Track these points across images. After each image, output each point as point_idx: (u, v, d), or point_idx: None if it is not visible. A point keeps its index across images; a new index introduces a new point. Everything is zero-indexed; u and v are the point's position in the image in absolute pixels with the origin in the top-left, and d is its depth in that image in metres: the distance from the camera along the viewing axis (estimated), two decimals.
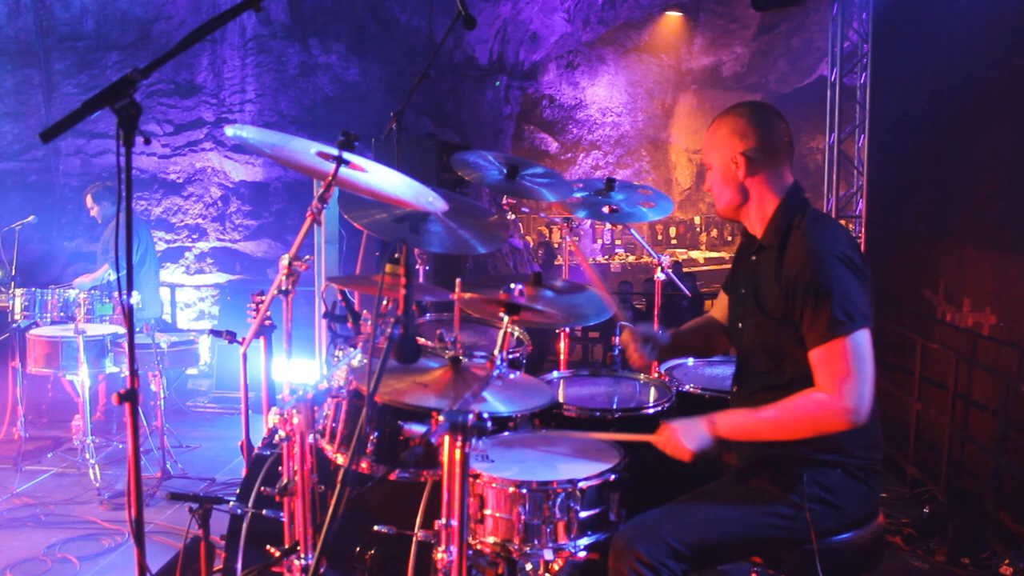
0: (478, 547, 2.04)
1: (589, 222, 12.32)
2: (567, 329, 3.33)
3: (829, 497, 2.02)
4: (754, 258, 2.18)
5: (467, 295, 2.35)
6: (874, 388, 1.90)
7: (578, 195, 3.25)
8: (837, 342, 1.89)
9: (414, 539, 2.24)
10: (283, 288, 2.10)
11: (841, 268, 1.94)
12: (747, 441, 2.05)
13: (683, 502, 2.04)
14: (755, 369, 2.16)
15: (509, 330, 2.06)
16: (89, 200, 5.71)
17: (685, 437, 2.01)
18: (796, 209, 2.09)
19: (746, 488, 2.05)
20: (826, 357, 1.91)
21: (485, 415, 1.75)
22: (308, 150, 2.05)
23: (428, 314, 3.20)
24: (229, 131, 1.99)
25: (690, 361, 3.13)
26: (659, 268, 3.41)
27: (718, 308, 2.48)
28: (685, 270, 11.76)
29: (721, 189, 2.17)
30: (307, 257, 2.14)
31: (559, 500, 1.98)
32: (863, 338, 1.90)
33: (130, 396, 1.49)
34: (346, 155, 1.99)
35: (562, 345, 3.31)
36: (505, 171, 3.04)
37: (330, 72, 8.15)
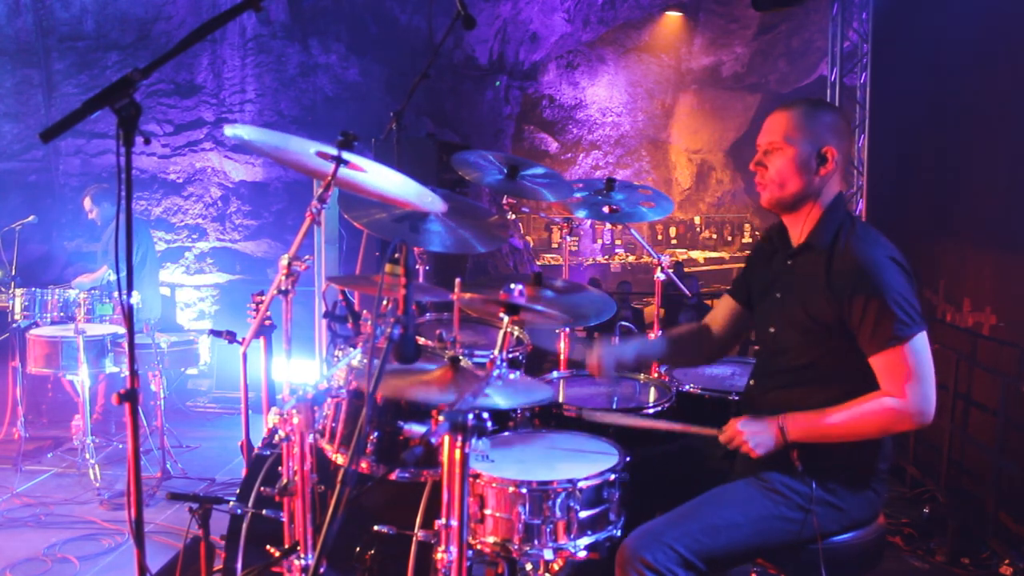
0: (478, 547, 2.04)
1: (589, 222, 12.32)
2: (567, 329, 3.33)
3: (833, 500, 2.02)
4: (790, 262, 2.15)
5: (467, 295, 2.35)
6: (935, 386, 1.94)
7: (578, 195, 3.25)
8: (900, 348, 1.91)
9: (414, 539, 2.24)
10: (283, 288, 2.10)
11: (897, 272, 1.95)
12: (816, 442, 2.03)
13: (690, 508, 2.02)
14: (780, 367, 2.15)
15: (509, 330, 2.06)
16: (88, 202, 5.71)
17: (753, 440, 2.01)
18: (843, 217, 2.09)
19: (752, 492, 2.05)
20: (890, 362, 1.93)
21: (485, 415, 1.75)
22: (307, 150, 2.04)
23: (428, 314, 3.20)
24: (228, 131, 1.98)
25: None
26: (659, 268, 3.41)
27: (718, 314, 2.43)
28: (686, 270, 11.76)
29: (790, 176, 2.08)
30: (307, 257, 2.14)
31: (559, 500, 1.98)
32: (923, 340, 1.93)
33: (130, 396, 1.49)
34: (345, 155, 1.99)
35: (562, 345, 3.31)
36: (505, 171, 3.04)
37: (330, 72, 8.15)
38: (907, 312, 1.91)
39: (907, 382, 1.91)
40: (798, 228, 2.15)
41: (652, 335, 3.36)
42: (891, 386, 1.93)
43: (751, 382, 2.27)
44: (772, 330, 2.19)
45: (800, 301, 2.08)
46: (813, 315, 2.04)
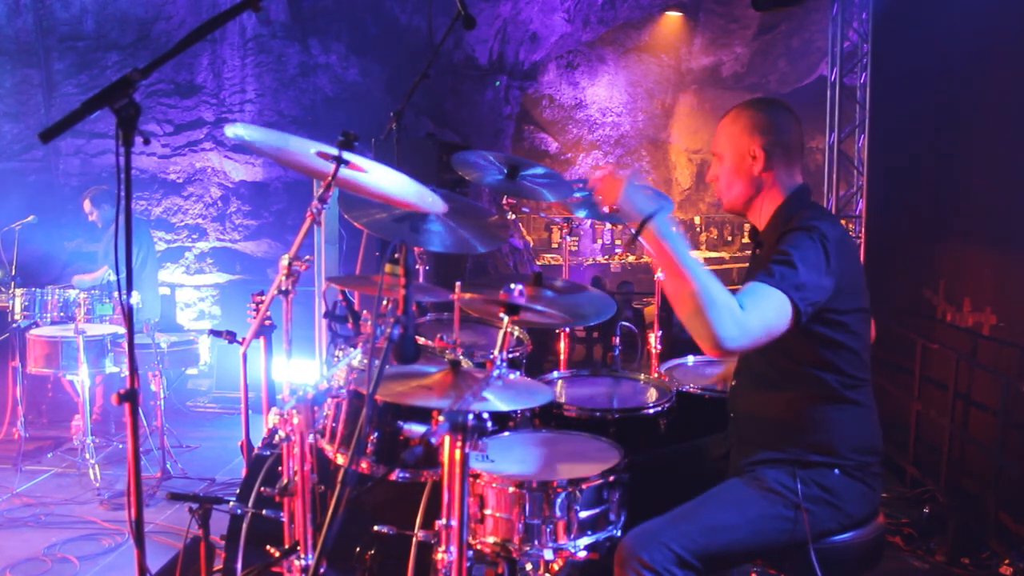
0: (478, 547, 2.04)
1: (589, 222, 12.32)
2: (567, 329, 3.33)
3: (829, 498, 2.02)
4: (758, 252, 2.19)
5: (467, 295, 2.35)
6: (755, 343, 1.85)
7: (578, 195, 3.25)
8: (764, 287, 1.86)
9: (414, 539, 2.24)
10: (283, 288, 2.10)
11: (817, 247, 1.93)
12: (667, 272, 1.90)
13: (687, 509, 2.03)
14: (752, 365, 2.17)
15: (509, 330, 2.06)
16: (88, 205, 5.72)
17: (624, 201, 1.93)
18: (800, 206, 2.10)
19: (748, 492, 2.05)
20: (760, 293, 1.86)
21: (485, 415, 1.74)
22: (308, 150, 2.04)
23: (428, 314, 3.20)
24: (229, 131, 1.99)
25: (690, 361, 3.13)
26: (660, 268, 3.41)
27: None
28: None
29: (732, 181, 2.16)
30: (307, 257, 2.14)
31: (559, 500, 1.98)
32: (782, 301, 1.85)
33: (130, 396, 1.49)
34: (346, 155, 1.99)
35: (562, 345, 3.31)
36: (505, 171, 3.04)
37: (330, 72, 8.14)
38: (795, 274, 1.86)
39: (761, 315, 1.83)
40: (758, 221, 2.19)
41: (653, 335, 3.37)
42: (748, 305, 1.83)
43: (733, 382, 2.29)
44: None
45: None
46: None
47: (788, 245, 1.93)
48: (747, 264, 2.43)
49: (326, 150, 2.01)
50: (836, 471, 2.03)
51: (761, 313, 1.84)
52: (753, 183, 2.13)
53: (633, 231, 1.91)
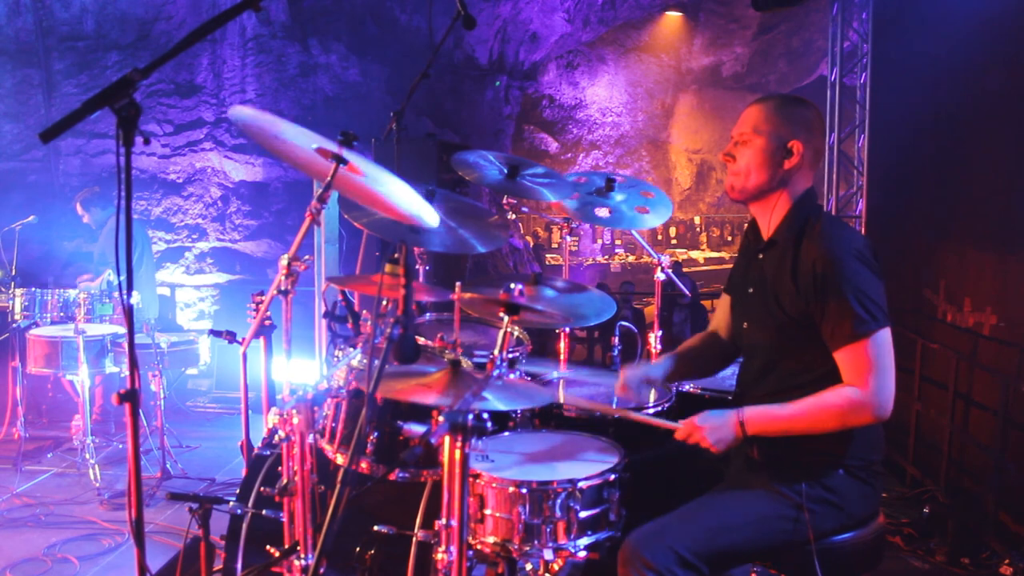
0: (478, 547, 2.04)
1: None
2: (567, 329, 3.32)
3: (832, 497, 2.02)
4: (761, 256, 2.16)
5: (467, 295, 2.35)
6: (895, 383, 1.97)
7: (577, 193, 3.24)
8: (863, 342, 1.93)
9: (414, 539, 2.24)
10: (283, 288, 2.10)
11: (861, 267, 1.95)
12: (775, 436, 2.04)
13: (690, 509, 2.03)
14: (759, 368, 2.16)
15: (509, 330, 2.06)
16: (79, 208, 5.74)
17: (712, 436, 2.02)
18: (810, 210, 2.09)
19: (750, 492, 2.05)
20: (853, 356, 1.95)
21: (485, 415, 1.75)
22: (308, 143, 2.03)
23: (428, 314, 3.20)
24: (232, 112, 1.96)
25: None
26: (659, 268, 3.40)
27: (720, 316, 2.43)
28: (685, 270, 11.75)
29: (758, 168, 2.08)
30: (307, 257, 2.14)
31: (559, 500, 1.98)
32: (884, 336, 1.96)
33: (130, 396, 1.49)
34: (345, 154, 1.98)
35: (562, 345, 3.31)
36: (505, 171, 3.04)
37: (330, 72, 8.15)
38: (867, 309, 1.93)
39: (868, 374, 1.95)
40: (766, 220, 2.16)
41: (653, 334, 3.37)
42: (852, 378, 1.96)
43: (737, 390, 2.28)
44: (745, 325, 2.20)
45: (770, 296, 2.08)
46: (783, 310, 2.05)
47: (849, 280, 1.94)
48: (738, 264, 2.40)
49: (326, 145, 2.00)
50: (840, 471, 2.03)
51: (880, 365, 1.97)
52: (776, 177, 2.08)
53: (744, 440, 2.05)
